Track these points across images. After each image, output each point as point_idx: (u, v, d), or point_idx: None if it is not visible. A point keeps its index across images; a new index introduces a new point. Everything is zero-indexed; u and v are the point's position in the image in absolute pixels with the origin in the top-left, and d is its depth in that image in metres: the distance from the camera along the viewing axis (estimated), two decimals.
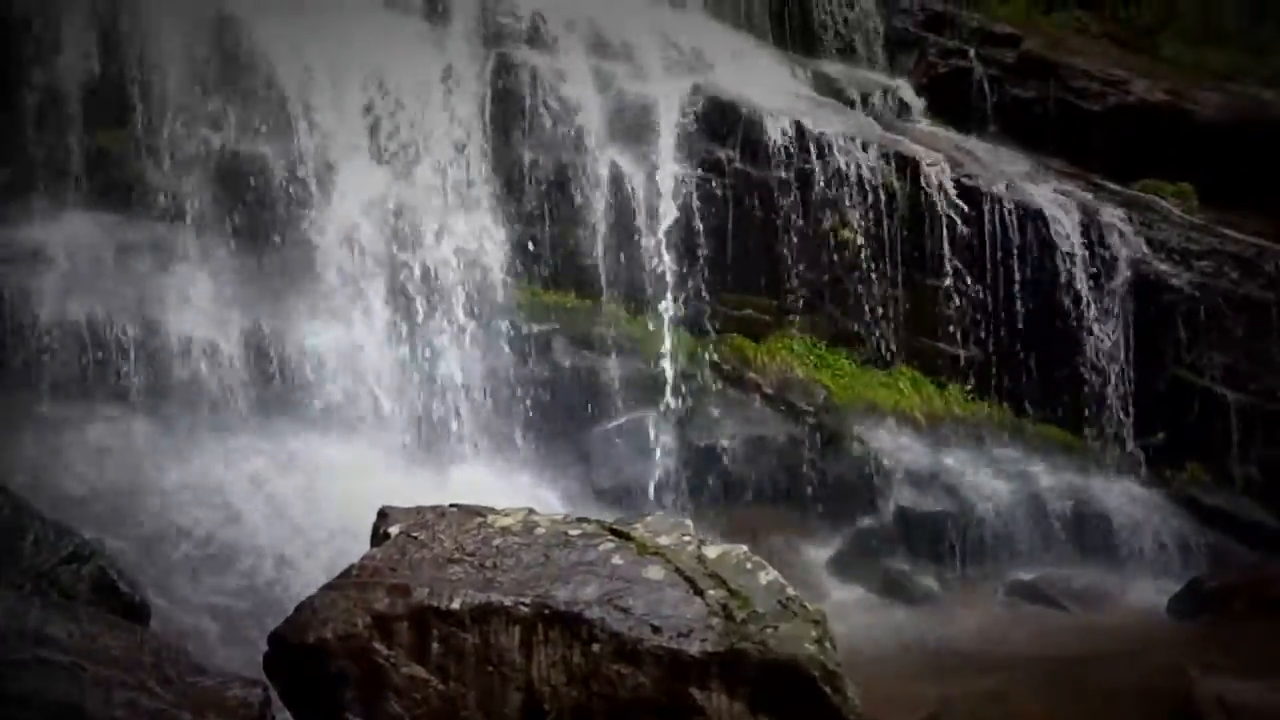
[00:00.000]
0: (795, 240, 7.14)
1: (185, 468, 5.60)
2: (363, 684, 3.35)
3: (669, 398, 6.83)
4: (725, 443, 6.75)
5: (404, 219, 6.65)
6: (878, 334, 7.19)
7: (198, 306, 6.15)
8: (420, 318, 6.58)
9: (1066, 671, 5.20)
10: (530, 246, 6.99)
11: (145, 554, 4.92)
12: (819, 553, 6.57)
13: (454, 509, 3.86)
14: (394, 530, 3.75)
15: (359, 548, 3.87)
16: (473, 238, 6.79)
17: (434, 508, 3.88)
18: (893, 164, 7.20)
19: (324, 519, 5.08)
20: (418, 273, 6.61)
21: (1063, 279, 6.98)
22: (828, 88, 7.86)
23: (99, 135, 6.34)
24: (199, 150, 6.35)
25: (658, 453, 6.69)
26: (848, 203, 7.13)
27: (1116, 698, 4.78)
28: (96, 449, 5.56)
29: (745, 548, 3.82)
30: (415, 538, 3.68)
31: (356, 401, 6.23)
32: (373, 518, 3.95)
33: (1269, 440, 6.80)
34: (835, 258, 7.19)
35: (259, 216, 6.46)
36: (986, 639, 5.66)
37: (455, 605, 3.40)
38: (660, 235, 6.99)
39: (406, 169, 6.71)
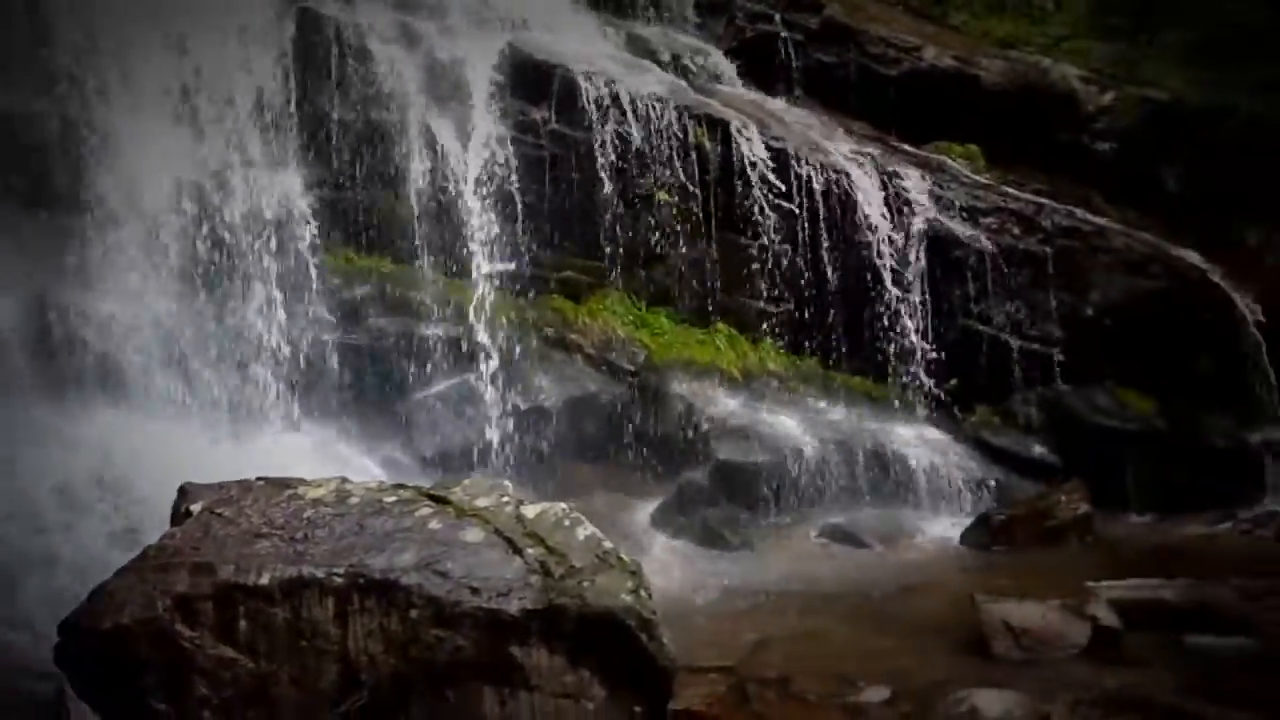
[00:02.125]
0: (612, 201, 7.21)
1: None
2: (166, 669, 3.25)
3: (490, 361, 6.81)
4: (548, 404, 6.80)
5: (206, 182, 6.35)
6: (694, 293, 7.36)
7: None
8: (225, 285, 6.31)
9: (872, 606, 5.50)
10: (342, 209, 6.79)
11: None
12: (643, 508, 6.70)
13: (261, 482, 3.77)
14: (196, 507, 3.63)
15: (161, 528, 3.73)
16: (279, 201, 6.55)
17: (240, 482, 3.78)
18: (704, 126, 7.36)
19: (123, 499, 4.84)
20: (222, 238, 6.33)
21: (864, 237, 7.32)
22: (640, 49, 7.94)
23: None
24: None
25: (480, 417, 6.66)
26: (662, 164, 7.25)
27: (917, 627, 5.10)
28: None
29: (564, 505, 3.88)
30: (220, 514, 3.58)
31: (157, 374, 5.94)
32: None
33: (1046, 382, 7.36)
34: (651, 219, 7.30)
35: (47, 182, 6.04)
36: (800, 580, 5.91)
37: (264, 581, 3.34)
38: (476, 197, 6.92)
39: (208, 131, 6.39)
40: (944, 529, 6.67)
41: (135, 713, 3.28)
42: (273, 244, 6.49)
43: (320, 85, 6.82)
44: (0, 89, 5.95)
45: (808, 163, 7.34)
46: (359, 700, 3.29)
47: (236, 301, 6.34)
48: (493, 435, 6.64)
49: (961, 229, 7.42)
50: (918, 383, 7.30)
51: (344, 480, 3.86)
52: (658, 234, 7.31)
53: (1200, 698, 3.79)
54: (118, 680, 3.29)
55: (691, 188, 7.29)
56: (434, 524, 3.64)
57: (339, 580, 3.38)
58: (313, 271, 6.60)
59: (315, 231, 6.64)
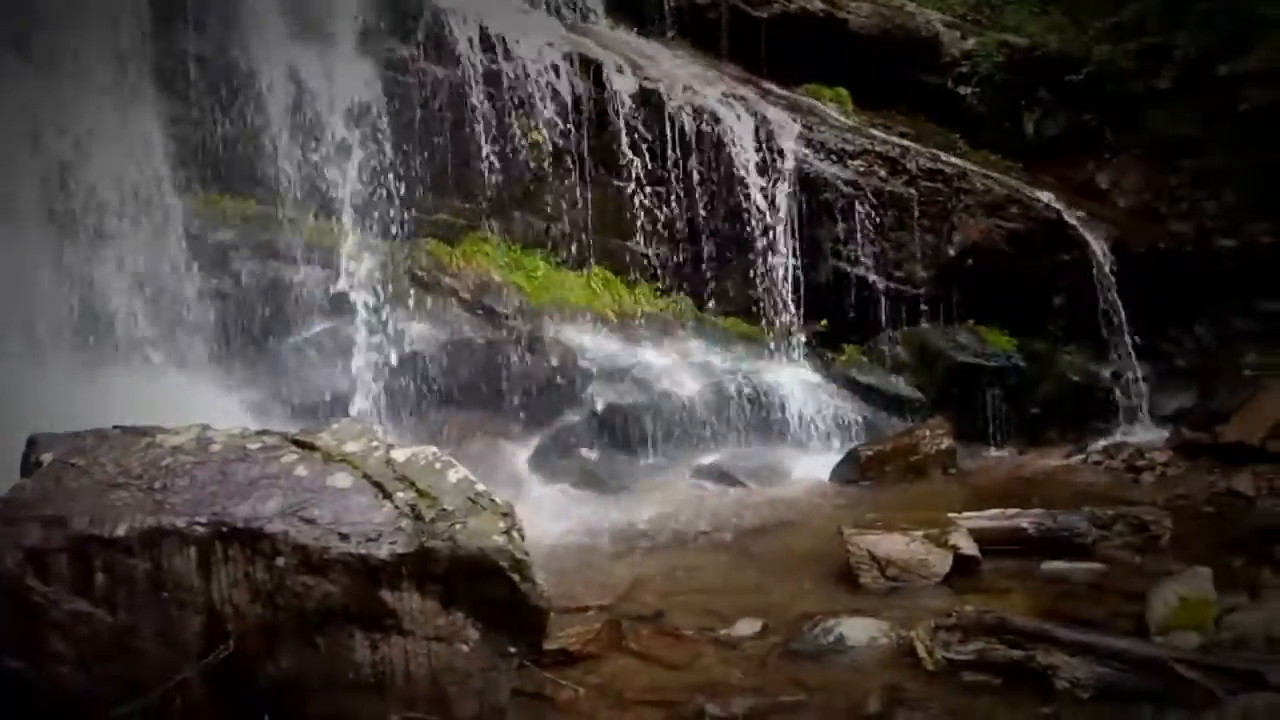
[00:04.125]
0: (486, 143, 7.08)
1: None
2: (17, 625, 3.12)
3: (362, 306, 6.65)
4: (423, 349, 6.69)
5: (53, 123, 5.97)
6: (569, 236, 7.32)
7: None
8: (83, 229, 5.98)
9: (746, 542, 5.63)
10: (203, 149, 6.49)
11: None
12: (521, 452, 6.69)
13: (117, 431, 3.62)
14: (47, 458, 3.47)
15: (9, 480, 3.55)
16: (133, 140, 6.21)
17: (94, 431, 3.62)
18: (576, 66, 7.27)
19: None
20: (70, 182, 5.98)
21: (736, 179, 7.38)
22: None
23: None
24: None
25: (353, 363, 6.52)
26: (535, 105, 7.14)
27: (788, 562, 5.25)
28: None
29: (434, 449, 3.82)
30: (73, 464, 3.42)
31: (11, 321, 5.62)
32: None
33: (911, 322, 7.60)
34: (526, 160, 7.20)
35: None
36: (675, 520, 6.00)
37: (120, 532, 3.22)
38: (344, 136, 6.69)
39: (53, 69, 6.00)
40: (815, 466, 6.86)
41: None
42: (125, 186, 6.16)
43: (175, 17, 6.46)
44: None
45: (680, 104, 7.33)
46: (225, 651, 3.22)
47: (96, 245, 6.02)
48: (365, 381, 6.50)
49: (831, 171, 7.54)
50: (789, 323, 7.44)
51: (205, 428, 3.71)
52: (531, 176, 7.22)
53: (1053, 620, 4.01)
54: None
55: (565, 128, 7.21)
56: (300, 470, 3.54)
57: (201, 530, 3.27)
58: (174, 214, 6.30)
59: (172, 173, 6.34)
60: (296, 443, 3.70)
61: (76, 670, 3.15)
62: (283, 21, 6.70)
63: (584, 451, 6.72)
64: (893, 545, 4.86)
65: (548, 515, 5.86)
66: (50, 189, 5.91)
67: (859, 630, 4.21)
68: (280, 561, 3.31)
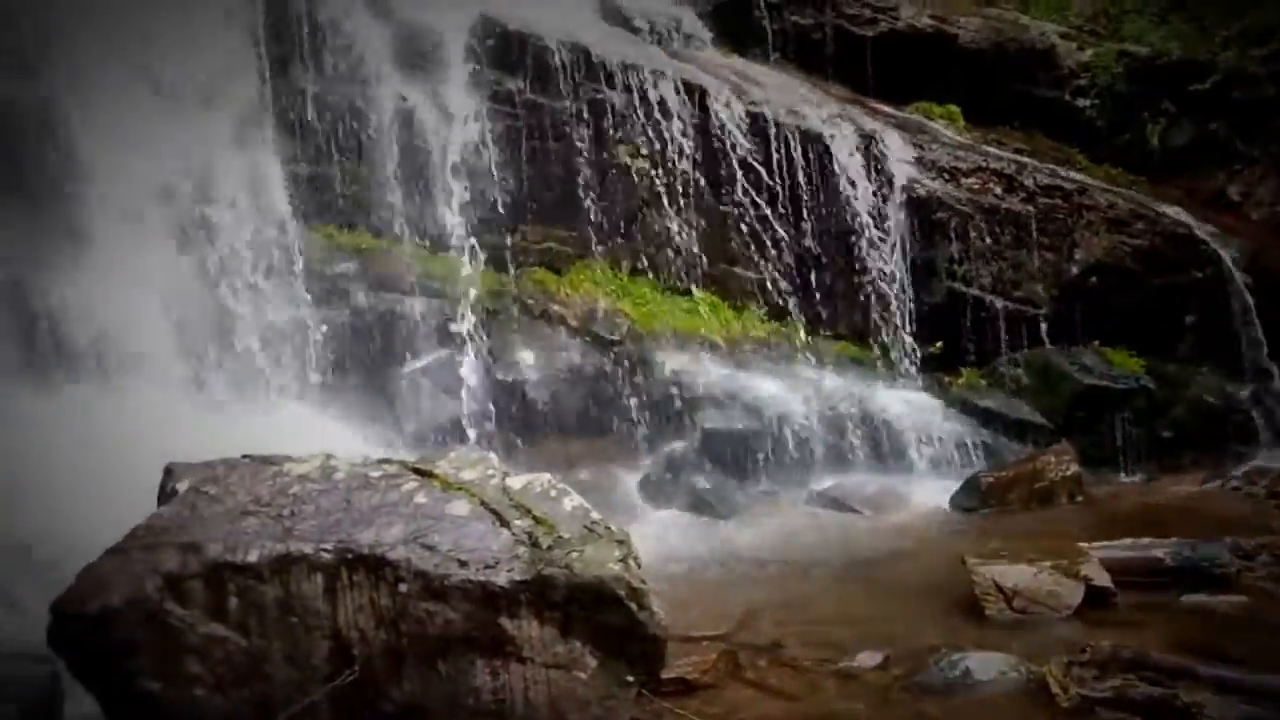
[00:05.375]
0: (591, 170, 7.15)
1: None
2: (157, 648, 3.22)
3: (474, 335, 6.75)
4: (533, 377, 6.75)
5: (179, 161, 6.24)
6: (676, 261, 7.31)
7: None
8: (207, 265, 6.23)
9: (863, 571, 5.49)
10: (321, 184, 6.71)
11: None
12: (630, 478, 6.67)
13: (246, 460, 3.72)
14: (182, 486, 3.59)
15: (147, 508, 3.68)
16: (255, 178, 6.45)
17: (225, 460, 3.73)
18: (681, 92, 7.29)
19: (107, 479, 4.78)
20: (198, 216, 6.24)
21: (844, 200, 7.28)
22: (614, 16, 7.86)
23: None
24: None
25: (465, 391, 6.62)
26: (640, 132, 7.18)
27: (908, 591, 5.10)
28: None
29: (549, 476, 3.85)
30: (205, 492, 3.53)
31: (137, 354, 5.87)
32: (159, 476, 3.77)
33: (1032, 343, 7.37)
34: (632, 187, 7.24)
35: (17, 166, 5.92)
36: (790, 547, 5.89)
37: (252, 558, 3.31)
38: (454, 170, 6.84)
39: (180, 110, 6.28)
40: (932, 493, 6.67)
41: (128, 693, 3.25)
42: (250, 221, 6.39)
43: (291, 59, 6.71)
44: None
45: (786, 127, 7.28)
46: (351, 675, 3.27)
47: (218, 282, 6.26)
48: (477, 409, 6.59)
49: (943, 189, 7.39)
50: (902, 346, 7.29)
51: (329, 456, 3.81)
52: (637, 203, 7.26)
53: (1194, 656, 3.80)
54: (109, 661, 3.25)
55: (670, 155, 7.23)
56: (420, 498, 3.60)
57: (327, 556, 3.34)
58: (293, 249, 6.51)
59: (293, 209, 6.55)
60: (416, 471, 3.77)
61: (213, 693, 3.24)
62: (394, 60, 6.89)
63: (694, 477, 6.68)
64: (1020, 576, 4.68)
65: (658, 542, 5.82)
66: (174, 224, 6.15)
67: (986, 664, 4.05)
68: (403, 588, 3.36)
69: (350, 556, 3.36)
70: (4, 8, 5.88)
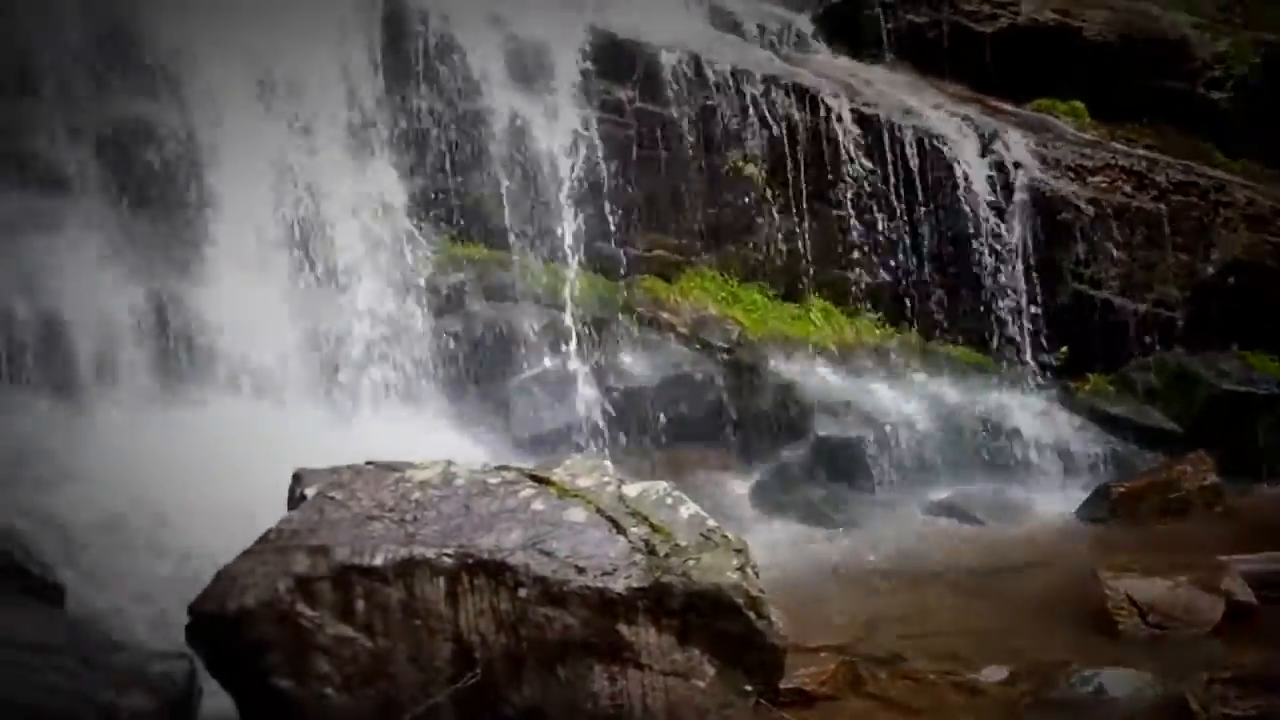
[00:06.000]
0: (701, 177, 7.13)
1: (92, 445, 5.41)
2: (288, 647, 3.32)
3: (584, 344, 6.80)
4: (643, 385, 6.76)
5: (299, 175, 6.45)
6: (787, 267, 7.24)
7: (93, 277, 5.90)
8: (325, 275, 6.42)
9: (985, 583, 5.34)
10: (434, 198, 6.85)
11: (57, 535, 4.75)
12: (741, 486, 6.62)
13: (370, 466, 3.81)
14: (310, 491, 3.69)
15: (278, 512, 3.80)
16: (373, 190, 6.63)
17: (350, 466, 3.83)
18: (792, 96, 7.21)
19: (239, 484, 4.97)
20: (318, 230, 6.43)
21: (964, 202, 7.11)
22: (724, 21, 7.82)
23: None
24: (86, 120, 6.06)
25: (576, 399, 6.65)
26: (749, 137, 7.13)
27: (1034, 605, 4.95)
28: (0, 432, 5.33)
29: (666, 484, 3.85)
30: (332, 498, 3.63)
31: (266, 364, 6.07)
32: (288, 481, 3.88)
33: (1164, 346, 7.07)
34: (741, 193, 7.20)
35: (150, 184, 6.21)
36: (907, 558, 5.77)
37: (377, 562, 3.38)
38: (565, 180, 6.91)
39: (300, 126, 6.49)
40: (1058, 503, 6.47)
41: (261, 690, 3.36)
42: (367, 234, 6.56)
43: (407, 74, 6.86)
44: (107, 96, 6.13)
45: (901, 128, 7.15)
46: (473, 678, 3.32)
47: (337, 293, 6.44)
48: (588, 417, 6.62)
49: (1068, 189, 7.16)
50: (1026, 351, 7.09)
51: (449, 463, 3.87)
52: (748, 209, 7.21)
53: None
54: (243, 659, 3.36)
55: (781, 160, 7.17)
56: (538, 504, 3.63)
57: (448, 560, 3.40)
58: (409, 261, 6.66)
59: (409, 221, 6.70)
60: (533, 478, 3.81)
61: (340, 692, 3.33)
62: (506, 72, 6.99)
63: (807, 486, 6.59)
64: (1155, 589, 4.50)
65: (771, 551, 5.75)
66: (296, 239, 6.34)
67: (1121, 681, 3.89)
68: (522, 593, 3.39)
69: (471, 561, 3.41)
70: (135, 33, 6.16)
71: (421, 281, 6.68)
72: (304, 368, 6.18)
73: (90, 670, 3.12)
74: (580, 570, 3.42)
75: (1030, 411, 6.98)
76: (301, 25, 6.53)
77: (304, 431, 5.85)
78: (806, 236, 7.21)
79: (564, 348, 6.80)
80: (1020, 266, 7.10)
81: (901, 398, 6.93)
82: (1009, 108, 7.79)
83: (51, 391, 5.64)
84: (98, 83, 6.06)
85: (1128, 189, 7.21)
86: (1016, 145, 7.27)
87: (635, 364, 6.86)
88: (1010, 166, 7.17)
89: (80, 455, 5.33)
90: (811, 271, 7.25)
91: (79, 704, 3.01)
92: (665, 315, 7.08)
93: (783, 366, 6.98)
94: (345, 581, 3.36)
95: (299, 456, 4.10)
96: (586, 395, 6.69)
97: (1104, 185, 7.21)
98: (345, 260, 6.46)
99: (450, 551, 3.41)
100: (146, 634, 4.08)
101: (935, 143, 7.19)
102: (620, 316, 6.96)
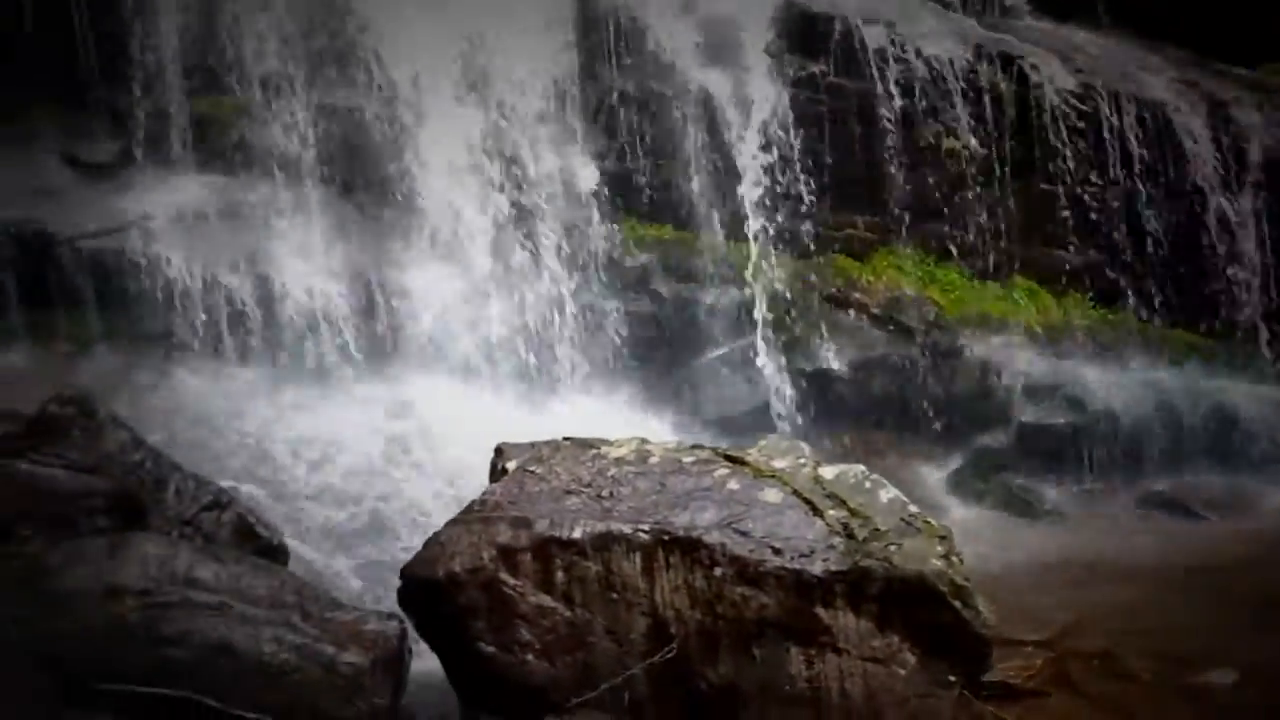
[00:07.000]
0: (897, 153, 6.90)
1: (308, 417, 5.74)
2: (492, 614, 3.43)
3: (773, 324, 6.72)
4: (833, 366, 6.64)
5: (499, 160, 6.63)
6: (988, 246, 6.94)
7: (307, 259, 6.26)
8: (521, 256, 6.59)
9: (1206, 580, 5.04)
10: (624, 180, 6.90)
11: (278, 500, 5.09)
12: (937, 473, 6.44)
13: (568, 442, 3.88)
14: (511, 465, 3.79)
15: (479, 484, 3.93)
16: (567, 173, 6.74)
17: (548, 442, 3.91)
18: (997, 65, 6.89)
19: (442, 458, 5.19)
20: (517, 212, 6.60)
21: (1189, 174, 6.63)
22: None
23: (196, 102, 6.45)
24: (295, 108, 6.42)
25: (764, 380, 6.60)
26: (951, 109, 6.85)
27: (1261, 604, 4.61)
28: (224, 404, 5.74)
29: (863, 467, 3.77)
30: (532, 471, 3.71)
31: (467, 343, 6.29)
32: (489, 455, 4.01)
33: None
34: (941, 168, 6.93)
35: (358, 168, 6.52)
36: (1119, 551, 5.49)
37: (576, 535, 3.44)
38: (755, 158, 6.82)
39: (499, 110, 6.66)
40: None
41: (467, 653, 3.48)
42: (562, 215, 6.68)
43: (599, 55, 6.93)
44: (319, 86, 6.47)
45: (1120, 96, 6.71)
46: (669, 653, 3.34)
47: (531, 275, 6.60)
48: (777, 398, 6.55)
49: None
50: (1256, 333, 6.55)
51: (643, 441, 3.90)
52: (946, 185, 6.94)
53: None
54: (450, 622, 3.50)
55: (984, 133, 6.86)
56: (732, 484, 3.62)
57: (644, 536, 3.43)
58: (600, 242, 6.75)
59: (600, 202, 6.79)
60: (727, 457, 3.79)
61: (540, 658, 3.42)
62: (696, 50, 6.96)
63: (1008, 474, 6.31)
64: None
65: (969, 540, 5.51)
66: (495, 221, 6.52)
67: None
68: (718, 571, 3.39)
69: (666, 538, 3.43)
70: (346, 29, 6.46)
71: (611, 262, 6.76)
72: (503, 347, 6.37)
73: (312, 626, 3.30)
74: (777, 551, 3.39)
75: (1258, 398, 6.48)
76: (504, 14, 6.70)
77: (499, 408, 6.04)
78: (1010, 213, 6.88)
79: (752, 328, 6.74)
80: (1252, 244, 6.56)
81: (1114, 383, 6.56)
82: (1238, 70, 7.21)
83: (269, 367, 6.02)
84: (310, 73, 6.39)
85: None
86: (1248, 112, 6.70)
87: (825, 345, 6.73)
88: (1242, 136, 6.63)
89: (292, 427, 5.68)
90: (1015, 250, 6.93)
91: (304, 657, 3.19)
92: (857, 295, 6.91)
93: (982, 349, 6.71)
94: (545, 553, 3.45)
95: (496, 432, 4.22)
96: (774, 376, 6.61)
97: None
98: (543, 244, 6.60)
99: (646, 528, 3.44)
100: (360, 595, 4.32)
101: (1158, 111, 6.72)
102: (809, 296, 6.84)
